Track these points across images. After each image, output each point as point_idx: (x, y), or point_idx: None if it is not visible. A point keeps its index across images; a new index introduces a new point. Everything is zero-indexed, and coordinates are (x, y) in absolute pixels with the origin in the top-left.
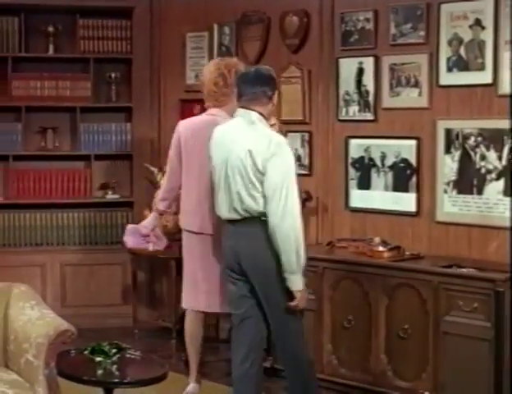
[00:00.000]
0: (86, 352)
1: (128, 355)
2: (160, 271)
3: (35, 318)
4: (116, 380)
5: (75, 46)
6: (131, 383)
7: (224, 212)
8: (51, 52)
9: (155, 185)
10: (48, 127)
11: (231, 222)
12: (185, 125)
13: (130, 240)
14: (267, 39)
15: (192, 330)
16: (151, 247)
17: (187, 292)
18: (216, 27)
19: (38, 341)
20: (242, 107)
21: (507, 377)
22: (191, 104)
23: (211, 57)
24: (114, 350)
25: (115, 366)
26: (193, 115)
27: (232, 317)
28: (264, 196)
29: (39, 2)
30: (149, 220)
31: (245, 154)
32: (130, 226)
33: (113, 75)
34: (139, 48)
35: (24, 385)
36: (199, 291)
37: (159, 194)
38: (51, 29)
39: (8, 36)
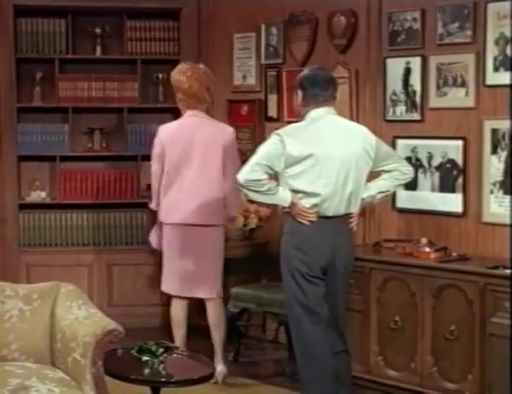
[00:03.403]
0: (133, 351)
1: (175, 355)
2: None
3: (82, 318)
4: (163, 379)
5: (122, 47)
6: (178, 383)
7: (329, 209)
8: (98, 53)
9: None
10: (96, 128)
11: (330, 218)
12: (167, 131)
13: (153, 239)
14: (314, 40)
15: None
16: None
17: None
18: (263, 28)
19: (85, 340)
20: (317, 107)
21: None
22: (239, 105)
23: (258, 58)
24: (161, 350)
25: (162, 365)
26: (240, 115)
27: (313, 317)
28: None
29: (87, 4)
30: None
31: (362, 146)
32: (155, 226)
33: (160, 76)
34: (186, 49)
35: (71, 383)
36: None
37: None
38: (98, 30)
39: (55, 38)
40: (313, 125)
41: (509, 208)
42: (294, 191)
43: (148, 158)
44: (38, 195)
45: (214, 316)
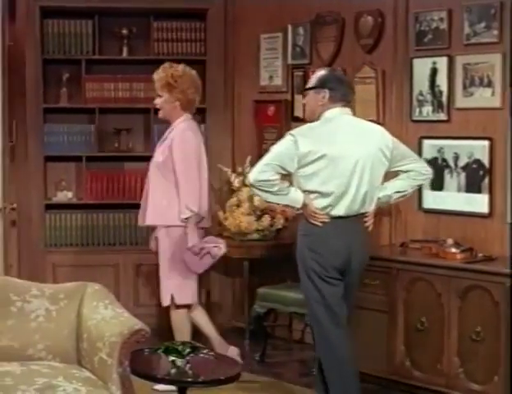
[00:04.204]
0: (160, 351)
1: (201, 355)
2: (233, 271)
3: (109, 317)
4: (190, 379)
5: (148, 48)
6: (205, 383)
7: (342, 208)
8: (125, 54)
9: (229, 186)
10: (122, 129)
11: (344, 218)
12: (195, 138)
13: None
14: (341, 40)
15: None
16: (218, 252)
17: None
18: (290, 28)
19: (111, 340)
20: (341, 106)
21: None
22: (265, 105)
23: (285, 58)
24: (188, 350)
25: (188, 365)
26: (267, 116)
27: (333, 318)
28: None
29: (113, 5)
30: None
31: (378, 146)
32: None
33: None
34: (212, 49)
35: (97, 383)
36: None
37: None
38: (125, 31)
39: (82, 39)
40: (327, 125)
41: (509, 208)
42: (307, 192)
43: None
44: (65, 196)
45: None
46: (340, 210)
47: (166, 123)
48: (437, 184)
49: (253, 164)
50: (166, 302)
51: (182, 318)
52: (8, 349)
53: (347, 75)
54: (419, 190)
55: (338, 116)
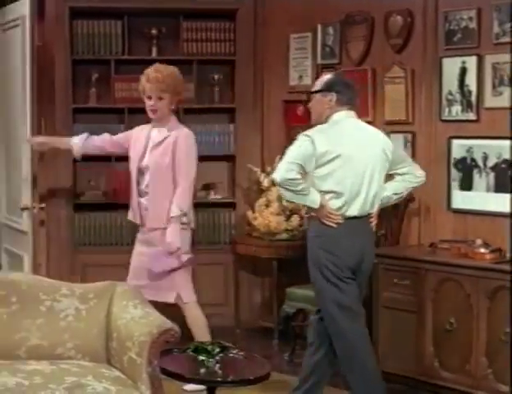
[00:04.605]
0: (189, 351)
1: (231, 355)
2: (262, 271)
3: (138, 317)
4: (219, 379)
5: (178, 48)
6: (234, 382)
7: (354, 208)
8: (154, 54)
9: (258, 186)
10: None
11: (356, 218)
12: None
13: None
14: (371, 39)
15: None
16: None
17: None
18: (320, 28)
19: (141, 340)
20: (347, 110)
21: None
22: (294, 105)
23: (314, 58)
24: (217, 350)
25: (218, 365)
26: (296, 116)
27: (352, 317)
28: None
29: (143, 5)
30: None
31: (382, 149)
32: None
33: (216, 76)
34: (242, 49)
35: (126, 382)
36: None
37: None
38: (154, 31)
39: (111, 39)
40: (337, 127)
41: (510, 206)
42: (322, 192)
43: (203, 158)
44: (94, 195)
45: None
46: (353, 211)
47: (195, 123)
48: (466, 184)
49: None
50: (171, 299)
51: (197, 312)
52: (37, 348)
53: (376, 75)
54: (448, 190)
55: (345, 118)
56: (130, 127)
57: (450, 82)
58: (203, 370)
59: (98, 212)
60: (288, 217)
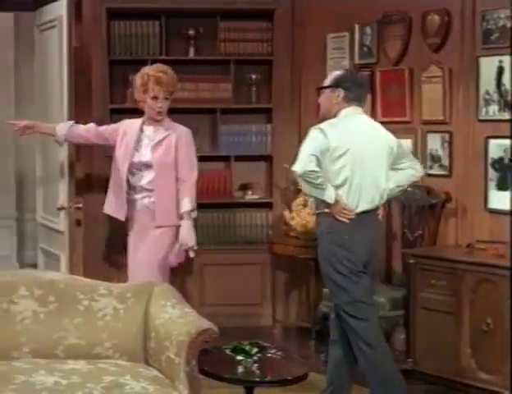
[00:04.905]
0: (227, 351)
1: (269, 355)
2: (299, 271)
3: (176, 317)
4: (257, 379)
5: (215, 48)
6: (272, 382)
7: (365, 202)
8: (191, 54)
9: (295, 186)
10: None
11: (366, 212)
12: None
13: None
14: (408, 39)
15: None
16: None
17: None
18: (357, 27)
19: (179, 339)
20: (354, 106)
21: None
22: None
23: (352, 58)
24: (255, 350)
25: (256, 365)
26: None
27: (364, 313)
28: None
29: (180, 6)
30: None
31: (388, 144)
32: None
33: (254, 76)
34: (279, 49)
35: (164, 382)
36: None
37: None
38: (191, 32)
39: (149, 40)
40: (346, 122)
41: (510, 204)
42: (335, 187)
43: (240, 158)
44: None
45: None
46: (363, 205)
47: (233, 123)
48: (503, 184)
49: None
50: None
51: None
52: (75, 347)
53: (414, 75)
54: (485, 190)
55: (353, 115)
56: None
57: (487, 81)
58: (241, 370)
59: None
60: None
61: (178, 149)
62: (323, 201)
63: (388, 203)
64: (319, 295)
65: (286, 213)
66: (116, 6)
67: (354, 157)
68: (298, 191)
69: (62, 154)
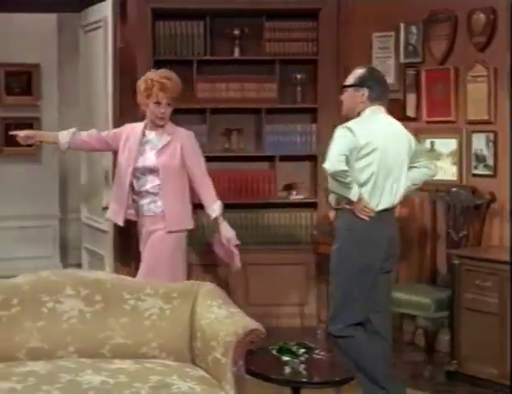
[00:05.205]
0: (274, 351)
1: (315, 356)
2: None
3: (223, 317)
4: (304, 380)
5: (260, 48)
6: (319, 383)
7: (386, 201)
8: (236, 54)
9: None
10: (233, 129)
11: (385, 211)
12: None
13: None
14: (453, 38)
15: None
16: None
17: None
18: (402, 26)
19: (226, 340)
20: (378, 105)
21: None
22: None
23: (397, 57)
24: (302, 350)
25: (302, 366)
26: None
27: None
28: None
29: (225, 6)
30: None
31: (408, 143)
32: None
33: (299, 76)
34: (324, 48)
35: (211, 382)
36: None
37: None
38: (236, 32)
39: (194, 40)
40: (370, 120)
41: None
42: (359, 180)
43: (284, 158)
44: None
45: None
46: (385, 203)
47: (277, 123)
48: None
49: None
50: None
51: None
52: (122, 346)
53: (459, 74)
54: None
55: (377, 113)
56: (213, 128)
57: None
58: (287, 371)
59: None
60: None
61: (186, 153)
62: (345, 198)
63: (433, 203)
64: None
65: (331, 214)
66: (161, 7)
67: (379, 155)
68: None
69: (107, 155)
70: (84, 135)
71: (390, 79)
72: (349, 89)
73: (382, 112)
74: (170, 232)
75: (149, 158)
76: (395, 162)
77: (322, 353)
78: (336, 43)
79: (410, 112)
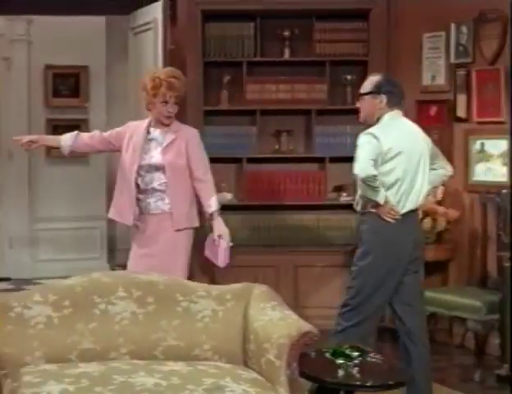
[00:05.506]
0: (327, 354)
1: (369, 359)
2: None
3: (277, 319)
4: (358, 383)
5: (310, 49)
6: (373, 387)
7: (411, 203)
8: (286, 56)
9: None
10: (283, 130)
11: (410, 213)
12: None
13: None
14: (504, 38)
15: None
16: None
17: None
18: (453, 26)
19: (280, 342)
20: (397, 109)
21: None
22: (427, 105)
23: (447, 58)
24: (356, 353)
25: (356, 369)
26: (429, 116)
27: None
28: None
29: (275, 7)
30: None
31: (427, 145)
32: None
33: (349, 77)
34: (375, 49)
35: (265, 384)
36: None
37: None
38: (286, 33)
39: (244, 41)
40: (392, 126)
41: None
42: (385, 184)
43: (334, 159)
44: (225, 197)
45: None
46: (409, 205)
47: (328, 124)
48: None
49: None
50: None
51: None
52: (174, 348)
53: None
54: None
55: (396, 118)
56: (263, 130)
57: None
58: (341, 373)
59: (228, 213)
60: (420, 220)
61: (190, 150)
62: (372, 201)
63: (484, 205)
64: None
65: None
66: (210, 8)
67: (404, 159)
68: None
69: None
70: (86, 136)
71: (441, 79)
72: (366, 97)
73: (401, 116)
74: (178, 230)
75: (155, 156)
76: (418, 164)
77: (376, 356)
78: (386, 44)
79: (461, 113)
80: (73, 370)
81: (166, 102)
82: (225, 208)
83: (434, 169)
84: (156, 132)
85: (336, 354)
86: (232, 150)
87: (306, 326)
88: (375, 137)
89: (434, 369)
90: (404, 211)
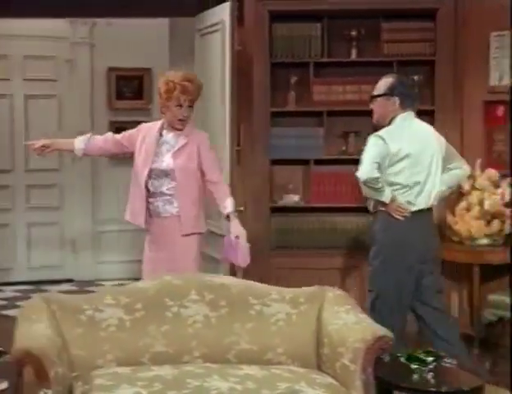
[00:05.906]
0: (402, 359)
1: (444, 364)
2: (461, 276)
3: (352, 323)
4: (433, 389)
5: (378, 49)
6: (448, 393)
7: (422, 202)
8: (353, 56)
9: (458, 190)
10: (350, 131)
11: (421, 211)
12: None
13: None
14: None
15: None
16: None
17: None
18: None
19: (355, 346)
20: (409, 111)
21: None
22: (495, 106)
23: None
24: (430, 358)
25: (431, 374)
26: (497, 117)
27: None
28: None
29: (343, 8)
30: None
31: (439, 146)
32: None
33: (416, 77)
34: (442, 49)
35: (340, 389)
36: None
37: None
38: (354, 33)
39: (311, 41)
40: (403, 127)
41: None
42: (394, 184)
43: None
44: (291, 199)
45: None
46: (420, 204)
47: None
48: None
49: (483, 167)
50: None
51: None
52: (247, 352)
53: None
54: None
55: (408, 119)
56: (330, 131)
57: None
58: (415, 378)
59: (295, 215)
60: (488, 222)
61: (202, 154)
62: (379, 201)
63: None
64: (481, 302)
65: (450, 218)
66: (277, 9)
67: (413, 160)
68: (461, 195)
69: (225, 158)
70: (99, 139)
71: (508, 80)
72: (379, 99)
73: (413, 117)
74: (186, 236)
75: (166, 161)
76: (430, 165)
77: (450, 361)
78: (454, 44)
79: None
80: (146, 373)
81: (181, 105)
82: (291, 210)
83: (450, 169)
84: (169, 135)
85: (411, 358)
86: (299, 152)
87: (381, 330)
88: (382, 139)
89: (505, 375)
90: (414, 209)
